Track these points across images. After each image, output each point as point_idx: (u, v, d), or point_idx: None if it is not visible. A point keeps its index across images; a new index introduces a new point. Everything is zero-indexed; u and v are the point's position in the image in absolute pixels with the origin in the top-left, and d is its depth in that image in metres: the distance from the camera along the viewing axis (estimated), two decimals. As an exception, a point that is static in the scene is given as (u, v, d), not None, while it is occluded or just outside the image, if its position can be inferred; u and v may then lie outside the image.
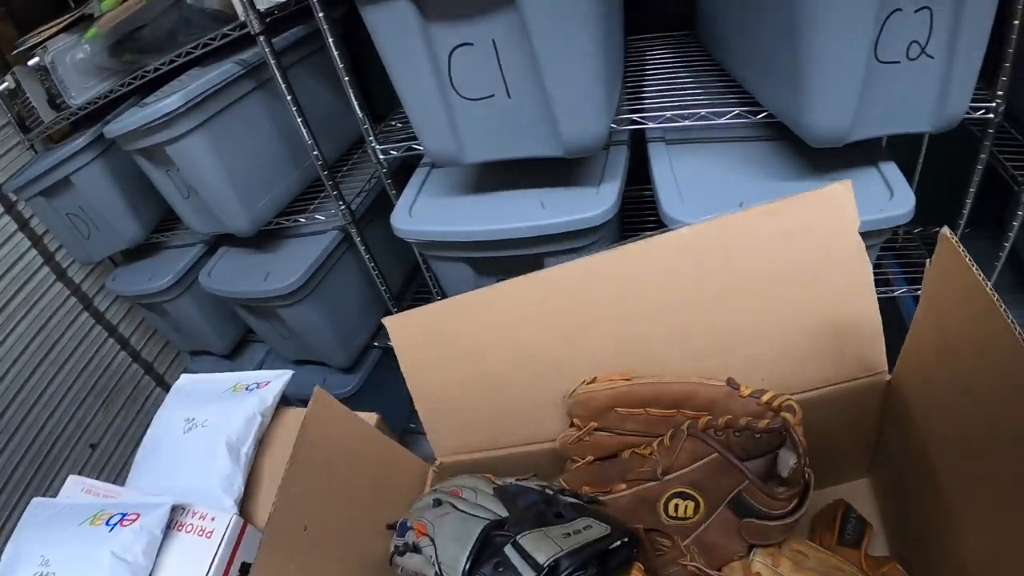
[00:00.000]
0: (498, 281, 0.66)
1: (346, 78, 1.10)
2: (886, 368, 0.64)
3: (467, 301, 0.68)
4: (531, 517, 0.58)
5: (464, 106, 0.95)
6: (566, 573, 0.52)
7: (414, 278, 1.79)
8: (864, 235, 0.60)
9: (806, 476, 0.56)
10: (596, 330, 0.66)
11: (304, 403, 0.63)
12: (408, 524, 0.62)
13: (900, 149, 1.06)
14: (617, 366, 0.66)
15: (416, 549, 0.59)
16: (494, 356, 0.68)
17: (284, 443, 0.85)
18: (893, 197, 0.91)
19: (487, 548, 0.55)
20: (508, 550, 0.54)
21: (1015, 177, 1.06)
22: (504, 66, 0.90)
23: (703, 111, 1.01)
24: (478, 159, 1.00)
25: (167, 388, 0.92)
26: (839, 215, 0.61)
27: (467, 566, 0.54)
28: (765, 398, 0.59)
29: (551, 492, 0.63)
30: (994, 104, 0.93)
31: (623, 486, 0.63)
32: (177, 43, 1.22)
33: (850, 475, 0.76)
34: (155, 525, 0.72)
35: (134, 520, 0.72)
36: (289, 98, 1.19)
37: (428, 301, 1.70)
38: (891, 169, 0.96)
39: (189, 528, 0.74)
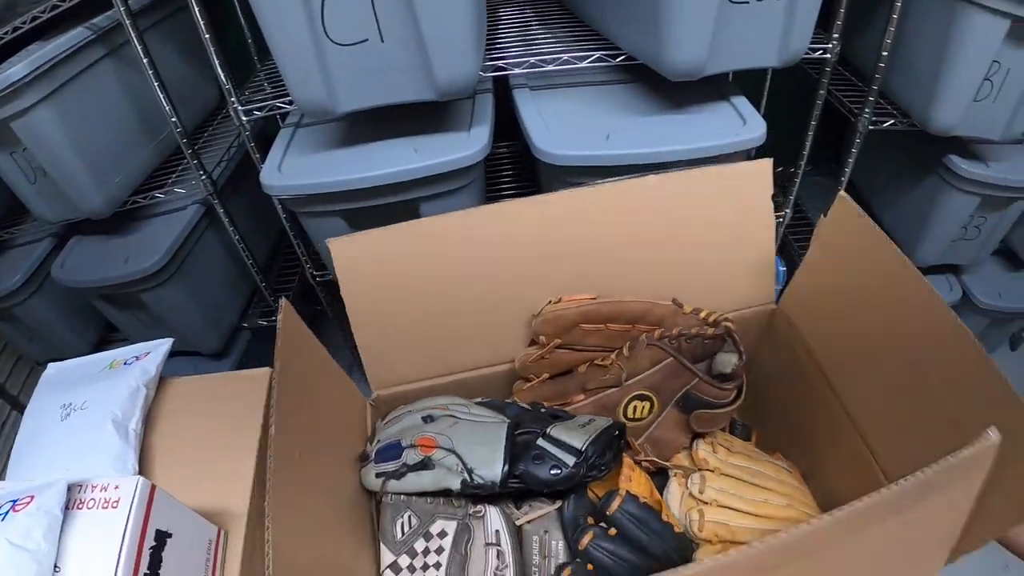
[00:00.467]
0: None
1: (207, 35, 1.01)
2: (773, 301, 0.80)
3: (417, 228, 0.69)
4: (538, 418, 0.61)
5: (337, 53, 0.92)
6: (595, 457, 0.57)
7: (280, 251, 1.68)
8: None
9: (743, 375, 0.68)
10: (554, 260, 0.71)
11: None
12: (402, 444, 0.61)
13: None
14: (564, 294, 0.72)
15: (425, 465, 0.59)
16: (447, 282, 0.70)
17: (172, 416, 0.76)
18: (746, 124, 1.07)
19: (516, 444, 0.58)
20: (542, 442, 0.58)
21: (851, 109, 1.29)
22: (378, 8, 0.89)
23: (565, 56, 1.09)
24: (351, 108, 0.98)
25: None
26: (760, 182, 0.74)
27: (505, 466, 0.56)
28: (703, 314, 0.70)
29: (525, 405, 0.67)
30: (830, 45, 1.13)
31: (582, 396, 0.69)
32: (16, 12, 1.03)
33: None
34: (53, 505, 0.60)
35: (28, 503, 0.59)
36: (146, 60, 1.05)
37: (297, 275, 1.60)
38: (742, 102, 1.13)
39: (91, 504, 0.62)
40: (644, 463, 0.70)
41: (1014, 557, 0.54)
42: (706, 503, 0.68)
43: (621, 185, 0.71)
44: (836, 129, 1.37)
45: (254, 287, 1.56)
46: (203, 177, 1.21)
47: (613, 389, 0.68)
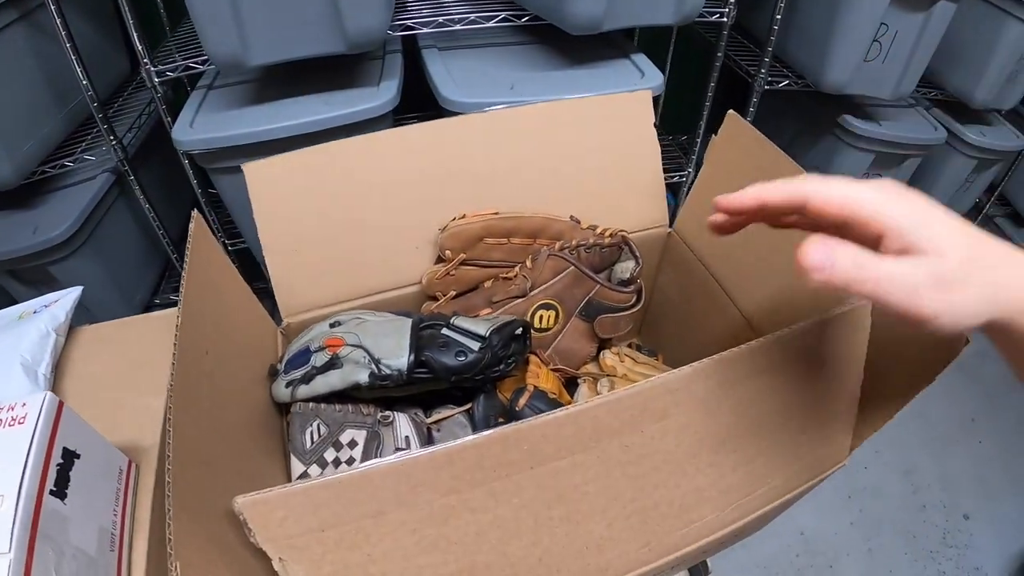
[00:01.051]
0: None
1: (122, -1, 1.01)
2: (667, 224, 0.83)
3: (326, 151, 0.69)
4: (443, 317, 0.62)
5: (251, 5, 0.93)
6: (499, 345, 0.58)
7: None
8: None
9: (640, 279, 0.71)
10: (456, 183, 0.73)
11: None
12: (310, 349, 0.61)
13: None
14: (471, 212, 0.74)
15: (333, 364, 0.58)
16: (356, 204, 0.70)
17: (84, 361, 0.73)
18: (644, 76, 1.14)
19: (421, 337, 0.58)
20: (447, 331, 0.58)
21: (748, 71, 1.37)
22: (290, -38, 0.92)
23: (473, 15, 1.13)
24: (264, 60, 0.98)
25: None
26: (642, 110, 0.79)
27: (411, 354, 0.56)
28: (599, 229, 0.73)
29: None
30: (726, 9, 1.21)
31: (488, 310, 0.70)
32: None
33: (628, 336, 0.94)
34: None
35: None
36: (59, 21, 1.03)
37: None
38: (641, 58, 1.19)
39: (-2, 424, 0.60)
40: (554, 372, 0.71)
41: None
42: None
43: (517, 110, 0.74)
44: (741, 98, 1.44)
45: (167, 261, 1.53)
46: (113, 143, 1.19)
47: (519, 300, 0.70)
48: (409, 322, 0.60)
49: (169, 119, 1.12)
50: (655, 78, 1.13)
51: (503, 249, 0.71)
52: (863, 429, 0.61)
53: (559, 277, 0.69)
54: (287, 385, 0.61)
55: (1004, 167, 1.83)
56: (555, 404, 0.62)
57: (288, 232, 0.70)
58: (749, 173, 0.70)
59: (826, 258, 0.33)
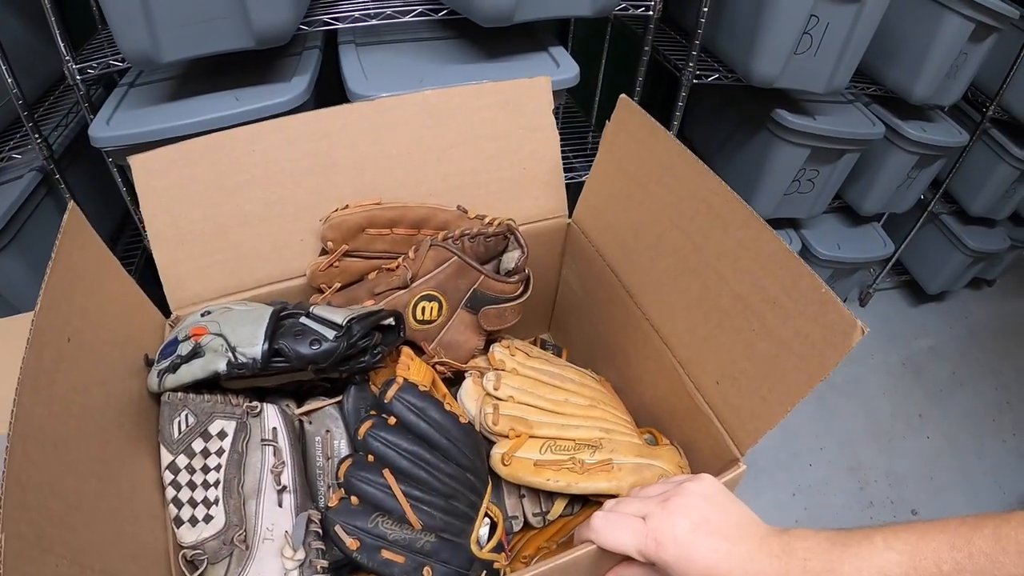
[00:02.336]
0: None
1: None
2: (567, 214, 0.82)
3: (210, 141, 0.70)
4: (303, 304, 0.61)
5: (161, 3, 0.93)
6: (359, 334, 0.58)
7: (126, 228, 1.63)
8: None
9: (526, 269, 0.70)
10: (343, 173, 0.73)
11: None
12: (178, 339, 0.60)
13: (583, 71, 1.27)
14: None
15: (196, 353, 0.58)
16: (242, 195, 0.70)
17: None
18: (560, 67, 1.14)
19: (280, 326, 0.58)
20: (304, 320, 0.58)
21: (676, 65, 1.37)
22: (196, -40, 0.92)
23: (389, 10, 1.13)
24: (175, 57, 0.99)
25: None
26: (540, 97, 0.79)
27: (266, 341, 0.56)
28: (488, 219, 0.72)
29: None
30: (652, 2, 1.20)
31: (371, 301, 0.70)
32: None
33: (538, 331, 0.94)
34: None
35: None
36: None
37: (141, 251, 1.51)
38: (559, 50, 1.19)
39: None
40: (439, 367, 0.71)
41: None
42: (501, 399, 0.69)
43: (407, 97, 0.73)
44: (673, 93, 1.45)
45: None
46: (39, 141, 1.18)
47: (400, 291, 0.69)
48: (270, 311, 0.60)
49: (91, 117, 1.12)
50: (569, 68, 1.13)
51: (386, 240, 0.71)
52: (759, 425, 0.60)
53: (441, 268, 0.69)
54: (157, 375, 0.61)
55: (948, 164, 1.82)
56: (426, 398, 0.62)
57: (175, 224, 0.70)
58: (644, 161, 0.69)
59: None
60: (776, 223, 1.71)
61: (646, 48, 1.29)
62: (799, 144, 1.48)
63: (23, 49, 1.26)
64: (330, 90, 1.19)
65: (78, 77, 1.09)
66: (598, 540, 0.52)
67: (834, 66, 1.31)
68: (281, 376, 0.61)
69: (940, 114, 1.79)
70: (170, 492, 0.59)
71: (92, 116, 1.10)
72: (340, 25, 1.12)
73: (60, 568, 0.43)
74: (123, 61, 1.08)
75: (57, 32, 1.04)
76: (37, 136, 1.17)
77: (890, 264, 2.07)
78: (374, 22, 1.12)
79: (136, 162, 0.69)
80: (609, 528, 0.52)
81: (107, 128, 1.03)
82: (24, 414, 0.46)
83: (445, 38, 1.26)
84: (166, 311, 0.72)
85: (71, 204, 0.62)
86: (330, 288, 0.71)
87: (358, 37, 1.23)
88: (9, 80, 1.10)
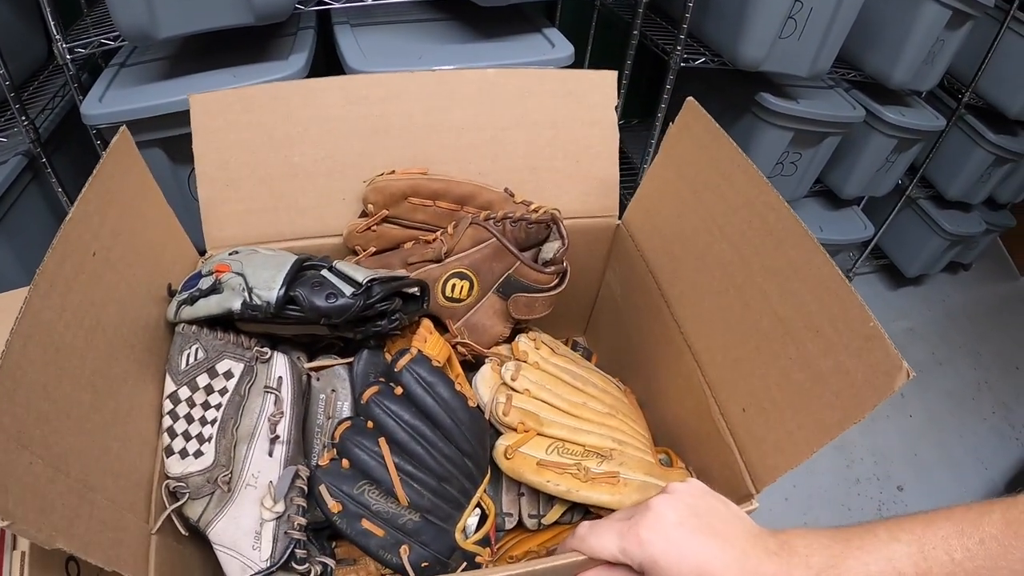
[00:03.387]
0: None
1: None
2: (617, 215, 0.79)
3: (274, 90, 0.70)
4: (328, 258, 0.60)
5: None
6: (378, 295, 0.56)
7: None
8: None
9: (564, 261, 0.67)
10: (395, 139, 0.72)
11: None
12: (201, 272, 0.60)
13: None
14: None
15: (215, 289, 0.58)
16: (293, 147, 0.70)
17: None
18: (555, 47, 1.14)
19: (301, 275, 0.57)
20: (325, 273, 0.57)
21: (664, 49, 1.38)
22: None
23: None
24: (173, 32, 0.98)
25: None
26: (604, 91, 0.77)
27: (283, 287, 0.55)
28: (533, 206, 0.70)
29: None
30: None
31: (404, 270, 0.68)
32: None
33: (572, 332, 0.91)
34: None
35: None
36: None
37: None
38: (553, 31, 1.20)
39: None
40: (461, 348, 0.69)
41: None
42: (517, 391, 0.66)
43: (466, 73, 0.72)
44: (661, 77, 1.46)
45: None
46: (25, 124, 1.16)
47: (433, 264, 0.68)
48: (293, 259, 0.59)
49: (80, 98, 1.10)
50: (564, 48, 1.13)
51: (427, 211, 0.69)
52: (781, 462, 0.56)
53: (478, 247, 0.67)
54: (176, 305, 0.61)
55: (925, 148, 1.88)
56: (438, 374, 0.60)
57: (224, 165, 0.70)
58: (703, 167, 0.66)
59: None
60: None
61: (635, 32, 1.33)
62: (783, 127, 1.50)
63: (8, 32, 1.26)
64: (325, 72, 1.18)
65: (68, 57, 1.07)
66: (581, 546, 0.49)
67: (817, 50, 1.34)
68: (295, 327, 0.60)
69: (917, 100, 1.84)
70: (167, 421, 0.59)
71: (81, 97, 1.09)
72: (336, 5, 1.12)
73: (34, 466, 0.43)
74: (115, 40, 1.08)
75: (47, 11, 1.03)
76: (24, 119, 1.15)
77: (869, 248, 2.13)
78: (369, 2, 1.13)
79: (195, 100, 0.70)
80: (593, 534, 0.48)
81: (99, 105, 1.03)
82: (31, 313, 0.46)
83: (438, 19, 1.26)
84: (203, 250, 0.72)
85: (122, 128, 0.63)
86: (364, 252, 0.70)
87: (352, 18, 1.23)
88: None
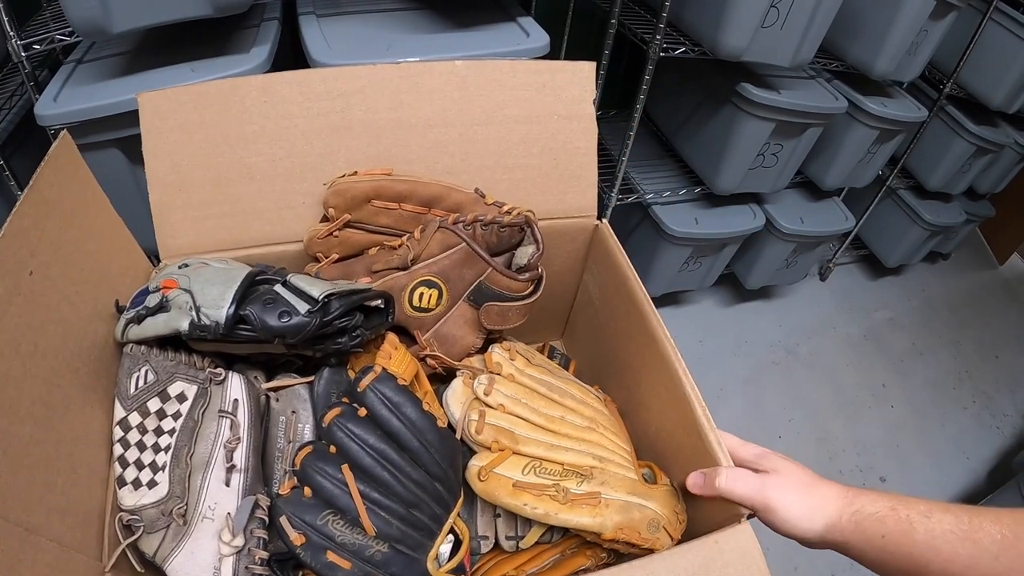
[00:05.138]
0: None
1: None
2: (595, 214, 0.76)
3: (227, 86, 0.65)
4: (284, 271, 0.56)
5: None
6: (337, 311, 0.52)
7: None
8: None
9: (540, 267, 0.63)
10: (357, 136, 0.68)
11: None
12: (149, 289, 0.56)
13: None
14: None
15: (162, 307, 0.54)
16: (248, 147, 0.66)
17: None
18: (529, 37, 1.11)
19: (252, 291, 0.53)
20: (279, 288, 0.53)
21: (643, 38, 1.35)
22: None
23: None
24: (128, 26, 0.93)
25: None
26: (582, 84, 0.73)
27: (232, 305, 0.51)
28: (506, 207, 0.66)
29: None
30: None
31: (368, 279, 0.64)
32: None
33: (549, 336, 0.87)
34: None
35: None
36: None
37: None
38: (528, 20, 1.16)
39: None
40: (430, 361, 0.65)
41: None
42: (490, 406, 0.62)
43: (433, 65, 0.68)
44: (639, 68, 1.44)
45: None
46: None
47: (399, 272, 0.63)
48: (245, 272, 0.54)
49: (38, 97, 1.05)
50: (539, 38, 1.10)
51: (392, 215, 0.65)
52: None
53: (447, 253, 0.63)
54: (124, 324, 0.57)
55: (906, 139, 1.88)
56: (404, 393, 0.56)
57: (176, 168, 0.66)
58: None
59: (697, 481, 0.57)
60: (741, 198, 1.75)
61: (612, 21, 1.30)
62: (765, 118, 1.48)
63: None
64: (291, 67, 1.15)
65: (23, 54, 1.01)
66: (720, 491, 0.54)
67: (800, 40, 1.32)
68: (248, 346, 0.56)
69: (899, 90, 1.84)
70: (117, 449, 0.55)
71: (38, 96, 1.04)
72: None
73: None
74: (71, 35, 1.02)
75: (1, 6, 0.97)
76: None
77: (850, 239, 2.16)
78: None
79: (144, 99, 0.66)
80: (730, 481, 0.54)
81: (54, 105, 0.98)
82: None
83: (408, 9, 1.23)
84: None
85: (64, 132, 0.59)
86: (327, 259, 0.66)
87: (318, 8, 1.19)
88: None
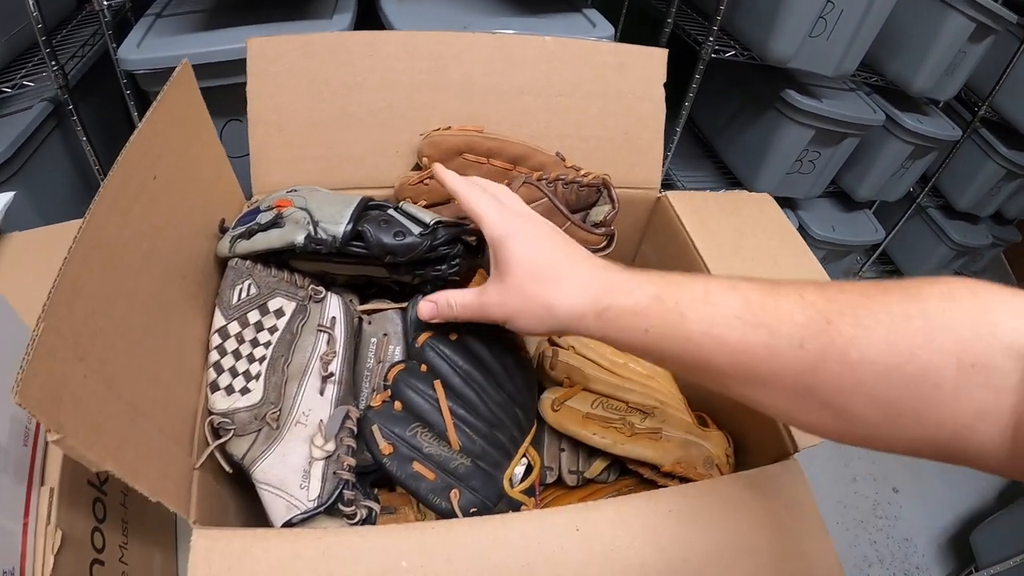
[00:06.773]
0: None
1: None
2: (659, 188, 0.81)
3: (334, 39, 0.70)
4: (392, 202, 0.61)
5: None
6: (443, 238, 0.57)
7: None
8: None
9: (613, 225, 0.68)
10: (452, 96, 0.73)
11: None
12: (260, 208, 0.60)
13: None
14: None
15: (275, 223, 0.57)
16: (350, 96, 0.71)
17: (14, 270, 0.72)
18: (595, 27, 1.19)
19: (365, 215, 0.57)
20: (392, 212, 0.57)
21: (696, 40, 1.41)
22: None
23: None
24: None
25: None
26: (654, 67, 0.78)
27: (350, 223, 0.55)
28: (584, 171, 0.71)
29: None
30: None
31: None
32: None
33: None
34: None
35: None
36: None
37: None
38: (593, 12, 1.24)
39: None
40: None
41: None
42: (562, 347, 0.67)
43: (527, 38, 0.73)
44: (688, 67, 1.48)
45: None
46: (55, 68, 1.13)
47: (484, 221, 0.68)
48: (359, 197, 0.59)
49: (115, 45, 1.09)
50: (605, 28, 1.18)
51: (481, 169, 0.70)
52: None
53: (531, 206, 0.67)
54: (230, 240, 0.60)
55: (939, 158, 1.90)
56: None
57: (277, 109, 0.70)
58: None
59: (429, 308, 0.53)
60: (776, 201, 1.77)
61: (668, 21, 1.37)
62: (805, 124, 1.53)
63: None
64: None
65: (105, 3, 1.05)
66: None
67: (844, 51, 1.38)
68: (352, 266, 0.60)
69: (935, 109, 1.87)
70: (213, 356, 0.58)
71: (115, 45, 1.08)
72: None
73: (88, 380, 0.42)
74: None
75: None
76: (54, 64, 1.13)
77: (877, 252, 2.16)
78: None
79: (253, 44, 0.70)
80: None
81: (137, 51, 1.02)
82: (94, 227, 0.44)
83: None
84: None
85: (183, 62, 0.62)
86: (415, 204, 0.71)
87: None
88: (31, 2, 1.05)
